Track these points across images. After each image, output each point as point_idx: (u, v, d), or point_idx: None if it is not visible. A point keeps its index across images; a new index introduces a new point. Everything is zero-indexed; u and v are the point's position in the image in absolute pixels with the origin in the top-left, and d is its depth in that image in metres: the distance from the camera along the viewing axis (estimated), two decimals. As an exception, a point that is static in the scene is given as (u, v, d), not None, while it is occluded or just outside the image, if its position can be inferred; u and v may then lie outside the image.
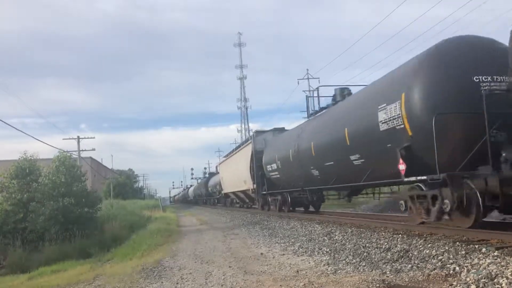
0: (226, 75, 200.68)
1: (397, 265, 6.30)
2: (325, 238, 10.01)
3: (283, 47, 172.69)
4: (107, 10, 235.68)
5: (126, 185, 63.98)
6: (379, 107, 9.02)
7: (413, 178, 8.25)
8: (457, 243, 6.87)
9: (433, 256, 6.28)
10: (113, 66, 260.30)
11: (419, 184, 8.38)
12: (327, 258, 7.68)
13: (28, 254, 17.56)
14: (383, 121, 8.87)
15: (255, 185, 21.62)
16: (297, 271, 6.69)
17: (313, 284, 5.58)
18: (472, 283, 4.72)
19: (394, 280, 5.38)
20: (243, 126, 70.64)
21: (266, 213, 21.73)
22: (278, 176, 18.24)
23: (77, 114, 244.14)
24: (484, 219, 10.39)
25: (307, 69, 44.12)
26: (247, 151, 23.47)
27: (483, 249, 6.08)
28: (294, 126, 19.69)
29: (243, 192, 26.27)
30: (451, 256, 6.05)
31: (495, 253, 5.77)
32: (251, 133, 40.55)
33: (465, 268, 5.35)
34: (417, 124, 7.87)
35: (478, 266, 5.32)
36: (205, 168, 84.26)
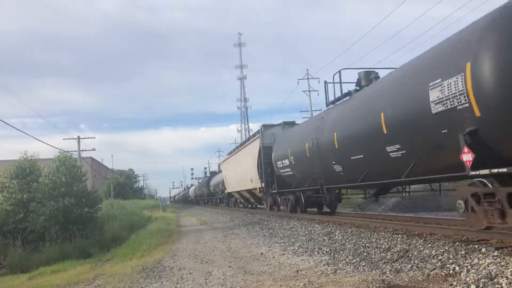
0: (226, 75, 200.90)
1: (397, 265, 6.30)
2: (325, 238, 10.00)
3: (283, 47, 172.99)
4: (107, 10, 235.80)
5: (126, 185, 64.01)
6: (431, 84, 7.35)
7: (484, 171, 6.50)
8: (457, 243, 6.87)
9: (433, 256, 6.28)
10: (113, 66, 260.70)
11: (481, 179, 6.92)
12: (327, 258, 7.68)
13: (28, 254, 17.56)
14: (437, 101, 7.19)
15: (263, 184, 19.91)
16: (297, 271, 6.70)
17: (313, 284, 5.58)
18: (472, 283, 4.72)
19: (394, 280, 5.38)
20: (243, 126, 70.66)
21: (266, 213, 21.65)
22: (291, 173, 16.49)
23: (77, 114, 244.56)
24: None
25: (307, 69, 44.16)
26: (255, 147, 21.54)
27: (483, 249, 6.08)
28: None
29: (249, 191, 24.81)
30: (451, 256, 6.05)
31: (495, 253, 5.77)
32: (251, 133, 40.41)
33: (465, 268, 5.35)
34: (489, 101, 6.25)
35: (478, 266, 5.32)
36: (205, 168, 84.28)
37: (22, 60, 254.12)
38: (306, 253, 8.45)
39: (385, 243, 7.90)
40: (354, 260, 7.10)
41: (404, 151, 8.72)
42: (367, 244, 8.21)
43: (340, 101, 12.75)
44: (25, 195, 20.61)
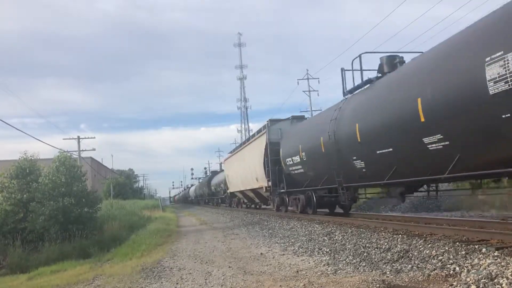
0: (226, 75, 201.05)
1: (397, 265, 6.29)
2: (325, 238, 9.99)
3: (283, 47, 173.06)
4: (107, 10, 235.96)
5: (126, 185, 63.99)
6: (488, 59, 6.20)
7: None
8: (457, 243, 6.86)
9: (433, 256, 6.27)
10: (113, 66, 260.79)
11: None
12: (327, 258, 7.67)
13: (27, 254, 17.55)
14: (496, 79, 6.06)
15: (270, 183, 18.59)
16: (297, 271, 6.69)
17: (313, 284, 5.57)
18: (472, 283, 4.71)
19: (394, 280, 5.37)
20: (243, 126, 70.78)
21: (266, 213, 21.62)
22: (302, 171, 15.20)
23: (77, 114, 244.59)
24: (484, 219, 10.43)
25: (307, 69, 44.13)
26: (261, 144, 20.11)
27: (483, 249, 6.07)
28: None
29: (254, 190, 23.46)
30: (451, 256, 6.04)
31: (495, 253, 5.76)
32: (251, 133, 40.28)
33: (465, 268, 5.34)
34: None
35: (478, 266, 5.31)
36: (205, 168, 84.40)
37: (22, 60, 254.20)
38: (306, 253, 8.44)
39: (385, 244, 7.89)
40: (354, 261, 7.09)
41: (446, 142, 7.46)
42: (367, 245, 8.20)
43: (360, 90, 11.45)
44: (24, 195, 20.60)
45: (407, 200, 15.66)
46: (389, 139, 9.17)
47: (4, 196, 20.66)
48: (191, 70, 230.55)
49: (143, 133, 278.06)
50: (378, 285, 5.13)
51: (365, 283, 5.26)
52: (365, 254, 7.49)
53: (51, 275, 12.61)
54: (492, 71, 6.16)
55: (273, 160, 18.13)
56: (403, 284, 5.21)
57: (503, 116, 6.13)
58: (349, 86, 12.03)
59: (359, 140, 10.35)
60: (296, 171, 15.83)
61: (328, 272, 6.38)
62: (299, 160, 15.08)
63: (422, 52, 9.49)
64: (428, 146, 7.88)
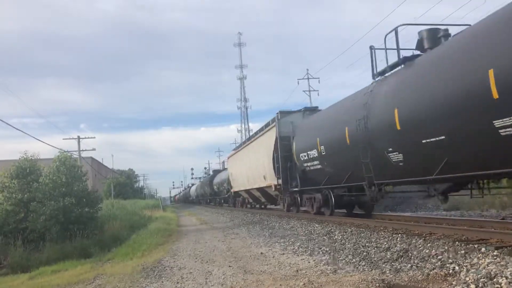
0: (226, 75, 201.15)
1: (397, 264, 6.31)
2: (325, 237, 10.01)
3: (283, 47, 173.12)
4: (107, 10, 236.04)
5: (126, 185, 64.04)
6: None
7: None
8: (457, 242, 6.88)
9: (433, 256, 6.28)
10: (113, 66, 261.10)
11: None
12: (327, 257, 7.68)
13: (28, 254, 17.58)
14: None
15: (280, 181, 17.03)
16: (297, 271, 6.71)
17: (312, 284, 5.59)
18: (471, 282, 4.73)
19: (393, 280, 5.39)
20: (243, 126, 70.74)
21: (266, 212, 21.58)
22: (319, 167, 13.66)
23: (77, 114, 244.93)
24: (484, 218, 10.45)
25: (307, 69, 44.06)
26: (270, 138, 18.47)
27: (483, 249, 6.09)
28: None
29: (261, 189, 21.79)
30: (451, 256, 6.06)
31: (495, 253, 5.78)
32: (251, 133, 40.11)
33: (464, 267, 5.36)
34: None
35: (478, 265, 5.33)
36: (205, 168, 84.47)
37: (22, 60, 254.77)
38: (306, 253, 8.46)
39: (385, 243, 7.91)
40: (354, 260, 7.11)
41: None
42: (367, 244, 8.22)
43: (397, 70, 9.81)
44: (25, 195, 20.62)
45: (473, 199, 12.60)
46: (441, 125, 7.64)
47: (4, 196, 20.69)
48: (191, 70, 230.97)
49: (143, 133, 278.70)
50: (377, 284, 5.15)
51: (365, 282, 5.28)
52: (364, 253, 7.50)
53: (52, 274, 12.64)
54: None
55: (283, 156, 16.69)
56: (402, 283, 5.22)
57: None
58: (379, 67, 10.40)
59: (398, 128, 8.78)
60: (312, 168, 14.36)
61: (328, 271, 6.40)
62: (316, 154, 13.53)
63: (468, 25, 8.37)
64: (500, 131, 6.40)
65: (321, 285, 5.47)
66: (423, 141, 8.18)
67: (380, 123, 9.59)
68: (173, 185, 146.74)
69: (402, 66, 9.55)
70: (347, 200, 13.64)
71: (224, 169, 41.90)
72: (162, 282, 7.20)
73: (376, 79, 10.63)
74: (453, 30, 9.00)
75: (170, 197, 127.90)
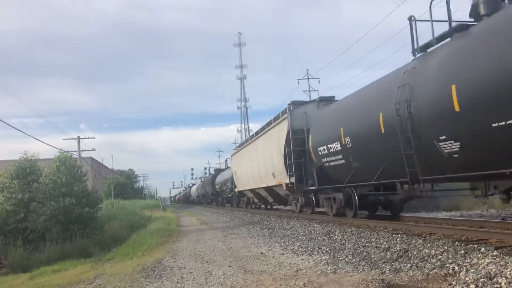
0: (226, 75, 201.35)
1: (397, 264, 6.31)
2: (325, 237, 10.02)
3: (283, 47, 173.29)
4: (107, 10, 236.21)
5: (126, 185, 64.09)
6: None
7: None
8: (456, 242, 6.89)
9: (433, 256, 6.29)
10: (113, 66, 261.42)
11: None
12: (327, 257, 7.69)
13: (29, 254, 17.63)
14: None
15: (292, 179, 15.38)
16: (297, 271, 6.71)
17: (312, 284, 5.60)
18: (471, 282, 4.73)
19: (393, 280, 5.40)
20: (243, 126, 70.79)
21: (266, 213, 21.55)
22: (343, 162, 11.94)
23: (77, 114, 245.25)
24: (483, 219, 10.46)
25: (307, 69, 44.04)
26: (280, 132, 16.74)
27: (482, 249, 6.10)
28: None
29: (268, 189, 20.08)
30: (450, 256, 6.07)
31: (494, 253, 5.79)
32: (251, 133, 39.87)
33: (464, 267, 5.37)
34: None
35: (477, 265, 5.34)
36: (205, 168, 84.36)
37: (22, 60, 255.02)
38: (306, 253, 8.47)
39: (385, 243, 7.91)
40: (354, 260, 7.12)
41: None
42: (366, 244, 8.22)
43: (447, 42, 8.28)
44: (25, 195, 20.66)
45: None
46: None
47: (5, 196, 20.73)
48: (191, 70, 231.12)
49: (143, 133, 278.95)
50: (377, 284, 5.17)
51: (365, 282, 5.29)
52: (364, 253, 7.51)
53: (52, 274, 12.67)
54: None
55: (297, 151, 15.05)
56: (402, 283, 5.23)
57: None
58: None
59: (457, 109, 7.23)
60: (332, 163, 12.69)
61: (328, 271, 6.41)
62: (339, 148, 11.89)
63: None
64: None
65: (321, 285, 5.48)
66: (494, 124, 6.54)
67: (429, 106, 7.95)
68: (173, 185, 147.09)
69: (453, 37, 8.06)
70: (373, 200, 12.07)
71: (227, 167, 40.90)
72: (162, 282, 7.21)
73: (417, 55, 9.05)
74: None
75: (170, 197, 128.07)
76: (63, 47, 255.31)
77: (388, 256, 6.91)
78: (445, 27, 8.34)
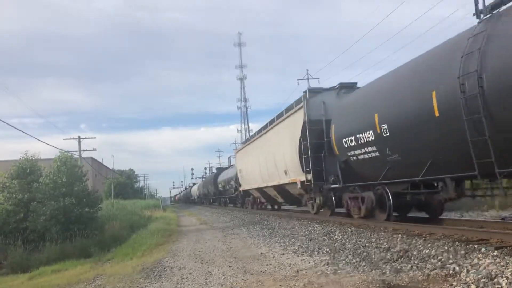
0: (226, 75, 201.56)
1: (397, 265, 6.30)
2: (325, 238, 10.00)
3: (283, 47, 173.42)
4: (107, 10, 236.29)
5: (126, 185, 64.12)
6: None
7: None
8: (457, 243, 6.87)
9: (433, 256, 6.28)
10: (113, 66, 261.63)
11: None
12: (327, 258, 7.68)
13: (28, 254, 17.63)
14: None
15: (310, 176, 13.65)
16: (297, 271, 6.70)
17: (313, 284, 5.59)
18: (472, 283, 4.72)
19: (394, 280, 5.38)
20: (243, 126, 70.68)
21: (266, 212, 21.51)
22: (377, 155, 10.23)
23: (77, 114, 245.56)
24: (484, 219, 10.44)
25: (307, 69, 43.99)
26: (294, 123, 15.03)
27: (483, 249, 6.09)
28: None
29: (279, 187, 18.26)
30: (451, 256, 6.05)
31: (495, 253, 5.77)
32: (251, 133, 39.53)
33: (464, 268, 5.35)
34: None
35: (478, 266, 5.32)
36: (205, 168, 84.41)
37: (22, 60, 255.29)
38: (306, 253, 8.45)
39: (385, 243, 7.90)
40: (354, 260, 7.10)
41: None
42: (367, 244, 8.21)
43: None
44: (25, 195, 20.66)
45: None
46: None
47: (5, 196, 20.74)
48: (191, 70, 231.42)
49: (143, 133, 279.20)
50: (378, 285, 5.15)
51: (365, 282, 5.28)
52: (364, 253, 7.50)
53: (52, 274, 12.66)
54: None
55: (314, 145, 13.44)
56: (403, 284, 5.22)
57: None
58: None
59: None
60: (361, 156, 10.99)
61: (328, 272, 6.39)
62: (372, 138, 10.17)
63: None
64: None
65: (321, 286, 5.47)
66: None
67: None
68: (173, 185, 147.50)
69: None
70: (410, 201, 10.54)
71: (231, 165, 39.85)
72: (162, 282, 7.20)
73: (483, 18, 7.54)
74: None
75: (170, 197, 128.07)
76: (63, 47, 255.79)
77: (388, 257, 6.89)
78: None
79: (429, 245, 7.01)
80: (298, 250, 8.92)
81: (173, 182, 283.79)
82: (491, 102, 6.74)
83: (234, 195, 32.76)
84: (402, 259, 6.62)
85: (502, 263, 5.20)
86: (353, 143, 11.16)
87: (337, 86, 14.08)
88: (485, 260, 5.47)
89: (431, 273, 5.46)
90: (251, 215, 21.30)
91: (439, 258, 6.12)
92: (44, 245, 18.31)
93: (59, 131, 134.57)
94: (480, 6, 7.57)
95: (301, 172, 14.47)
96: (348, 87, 13.84)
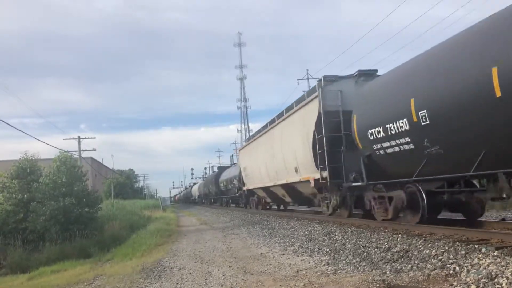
0: (226, 75, 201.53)
1: (397, 265, 6.29)
2: (325, 238, 10.00)
3: (283, 47, 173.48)
4: (107, 10, 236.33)
5: (126, 185, 64.06)
6: None
7: None
8: (457, 243, 6.86)
9: (433, 256, 6.27)
10: (113, 66, 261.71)
11: None
12: (327, 258, 7.67)
13: (28, 254, 17.60)
14: None
15: (325, 173, 12.13)
16: (297, 271, 6.69)
17: (313, 284, 5.58)
18: (472, 283, 4.72)
19: (394, 280, 5.38)
20: (243, 126, 70.60)
21: (266, 212, 21.48)
22: (411, 147, 8.78)
23: (77, 114, 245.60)
24: (484, 219, 10.42)
25: (307, 69, 44.01)
26: (308, 115, 13.52)
27: (483, 249, 6.08)
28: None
29: (288, 186, 16.76)
30: (451, 256, 6.04)
31: (495, 253, 5.77)
32: (251, 133, 39.33)
33: (465, 268, 5.35)
34: None
35: (478, 266, 5.32)
36: (205, 168, 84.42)
37: (22, 60, 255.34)
38: (306, 253, 8.45)
39: (385, 243, 7.89)
40: (354, 260, 7.10)
41: None
42: (367, 244, 8.20)
43: None
44: (25, 195, 20.64)
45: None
46: None
47: (5, 196, 20.71)
48: (191, 70, 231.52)
49: (143, 133, 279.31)
50: (378, 285, 5.15)
51: (365, 283, 5.27)
52: (365, 254, 7.49)
53: (51, 275, 12.64)
54: None
55: (331, 138, 12.02)
56: (403, 284, 5.21)
57: None
58: None
59: None
60: (390, 150, 9.58)
61: (328, 272, 6.39)
62: (406, 127, 8.70)
63: None
64: None
65: (321, 286, 5.46)
66: None
67: None
68: (173, 185, 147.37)
69: None
70: (450, 200, 9.29)
71: (233, 164, 38.91)
72: (162, 282, 7.19)
73: None
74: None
75: (170, 197, 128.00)
76: (63, 47, 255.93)
77: (388, 257, 6.89)
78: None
79: (429, 245, 7.00)
80: (298, 250, 8.91)
81: (173, 182, 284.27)
82: None
83: (237, 194, 31.42)
84: (402, 259, 6.62)
85: (502, 263, 5.19)
86: (381, 134, 9.68)
87: (356, 73, 12.65)
88: (485, 260, 5.46)
89: (432, 273, 5.45)
90: (251, 215, 21.29)
91: (439, 258, 6.11)
92: (43, 245, 18.28)
93: (59, 131, 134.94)
94: None
95: (314, 169, 13.01)
96: (368, 74, 12.43)
